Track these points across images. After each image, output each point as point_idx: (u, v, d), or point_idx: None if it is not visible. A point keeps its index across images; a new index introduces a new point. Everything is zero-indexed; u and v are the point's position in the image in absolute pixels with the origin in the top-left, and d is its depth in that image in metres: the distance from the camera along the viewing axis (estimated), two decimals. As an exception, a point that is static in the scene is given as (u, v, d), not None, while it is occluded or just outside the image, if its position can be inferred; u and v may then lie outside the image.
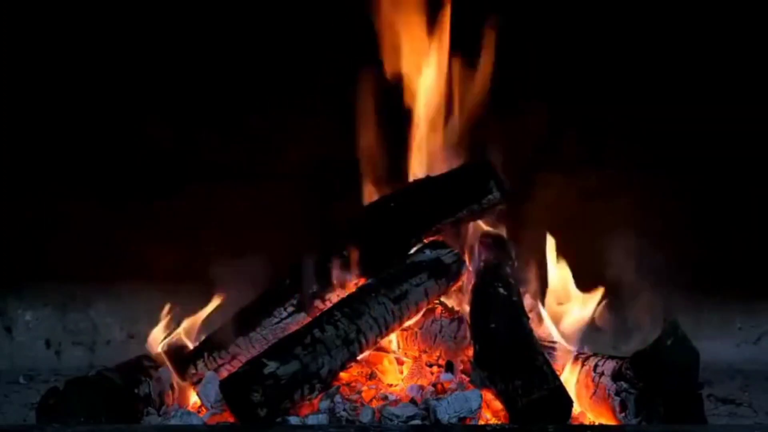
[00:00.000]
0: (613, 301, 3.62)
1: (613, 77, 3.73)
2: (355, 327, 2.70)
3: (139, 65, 3.71)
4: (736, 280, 3.76)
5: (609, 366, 2.68)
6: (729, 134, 3.73)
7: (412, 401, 2.67)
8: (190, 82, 3.72)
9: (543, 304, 3.14)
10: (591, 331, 2.96)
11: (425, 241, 3.02)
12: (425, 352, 2.97)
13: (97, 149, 3.76)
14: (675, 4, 3.68)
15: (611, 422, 2.61)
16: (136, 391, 2.67)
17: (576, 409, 2.66)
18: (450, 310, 3.01)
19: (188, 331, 2.99)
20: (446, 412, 2.56)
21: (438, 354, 2.95)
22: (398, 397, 2.73)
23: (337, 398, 2.65)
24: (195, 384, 2.85)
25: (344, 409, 2.63)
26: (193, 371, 2.87)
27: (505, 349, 2.66)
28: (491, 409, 2.64)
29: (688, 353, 2.54)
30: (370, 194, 3.20)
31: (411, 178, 3.18)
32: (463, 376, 2.82)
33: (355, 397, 2.72)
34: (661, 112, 3.75)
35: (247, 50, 3.72)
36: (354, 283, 2.95)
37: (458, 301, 3.05)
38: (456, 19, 3.22)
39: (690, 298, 3.75)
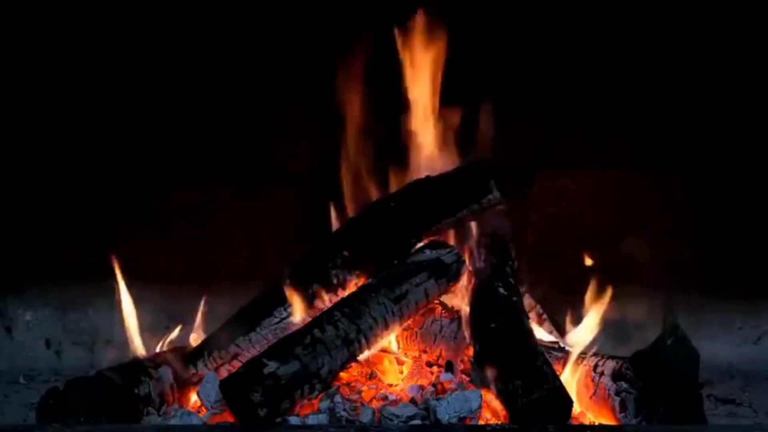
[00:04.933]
0: (613, 300, 3.64)
1: (614, 75, 3.72)
2: (355, 327, 2.70)
3: (140, 68, 3.71)
4: (736, 280, 3.75)
5: (609, 366, 2.68)
6: (729, 134, 3.73)
7: (412, 401, 2.67)
8: (190, 83, 3.72)
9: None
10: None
11: (425, 241, 3.02)
12: (425, 352, 2.97)
13: (97, 149, 3.75)
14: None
15: (611, 422, 2.61)
16: (136, 391, 2.67)
17: (576, 409, 2.66)
18: (450, 310, 3.01)
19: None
20: (446, 412, 2.57)
21: (438, 354, 2.95)
22: (398, 397, 2.73)
23: (337, 398, 2.65)
24: (195, 384, 2.85)
25: (344, 409, 2.63)
26: (193, 371, 2.87)
27: (505, 349, 2.66)
28: (491, 409, 2.64)
29: (688, 353, 2.54)
30: (369, 195, 3.21)
31: (411, 179, 3.18)
32: (463, 376, 2.82)
33: (355, 397, 2.72)
34: (661, 112, 3.75)
35: (246, 51, 3.72)
36: (354, 283, 2.95)
37: (458, 301, 3.05)
38: (454, 18, 3.23)
39: (690, 298, 3.75)
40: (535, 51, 3.69)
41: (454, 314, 2.98)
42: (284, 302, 2.94)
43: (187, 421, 2.60)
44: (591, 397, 2.70)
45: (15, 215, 3.74)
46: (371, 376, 2.87)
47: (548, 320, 3.16)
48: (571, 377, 2.76)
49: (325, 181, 3.46)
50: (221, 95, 3.74)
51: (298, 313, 2.91)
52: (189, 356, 2.91)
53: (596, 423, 2.67)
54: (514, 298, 2.90)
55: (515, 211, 3.19)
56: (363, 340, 2.72)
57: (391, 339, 2.97)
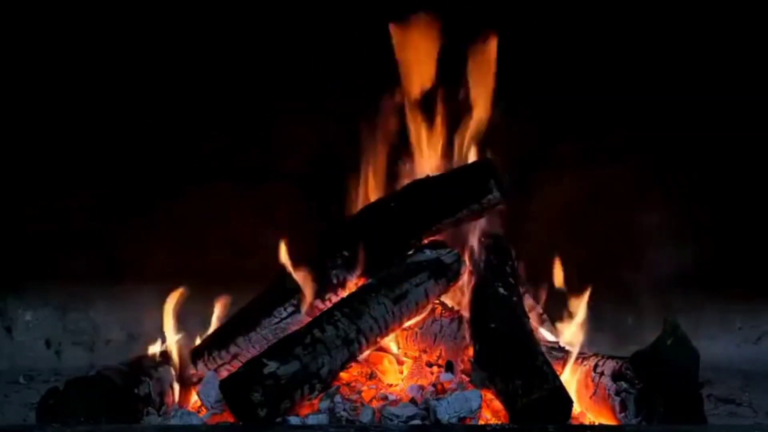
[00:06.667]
0: (613, 300, 3.64)
1: (613, 75, 3.72)
2: (355, 327, 2.70)
3: (142, 67, 3.71)
4: (737, 280, 3.75)
5: (609, 366, 2.68)
6: (728, 133, 3.73)
7: (412, 401, 2.67)
8: (191, 83, 3.72)
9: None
10: (591, 331, 2.95)
11: (425, 241, 3.02)
12: (425, 352, 2.97)
13: (97, 150, 3.76)
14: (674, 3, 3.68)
15: (611, 422, 2.61)
16: (136, 391, 2.67)
17: (576, 409, 2.66)
18: (450, 310, 3.01)
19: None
20: (446, 412, 2.56)
21: (438, 354, 2.95)
22: (398, 397, 2.73)
23: (337, 398, 2.65)
24: (195, 384, 2.85)
25: (344, 409, 2.63)
26: (193, 371, 2.87)
27: (505, 349, 2.66)
28: (491, 409, 2.64)
29: (688, 353, 2.54)
30: (370, 194, 3.21)
31: (411, 179, 3.18)
32: (463, 376, 2.82)
33: (355, 397, 2.72)
34: (661, 112, 3.75)
35: (247, 52, 3.72)
36: (354, 283, 2.95)
37: (458, 301, 3.05)
38: (454, 18, 3.23)
39: (690, 298, 3.75)
40: (537, 52, 3.70)
41: (454, 314, 2.98)
42: (284, 302, 2.94)
43: (187, 421, 2.60)
44: (591, 397, 2.70)
45: (15, 215, 3.74)
46: (371, 376, 2.87)
47: (548, 320, 3.15)
48: (571, 377, 2.76)
49: (325, 181, 3.47)
50: (222, 96, 3.74)
51: (298, 312, 2.91)
52: (189, 356, 2.91)
53: (596, 423, 2.67)
54: (514, 298, 2.90)
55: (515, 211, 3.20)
56: (363, 340, 2.72)
57: (391, 339, 2.97)
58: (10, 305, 3.82)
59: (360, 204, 3.20)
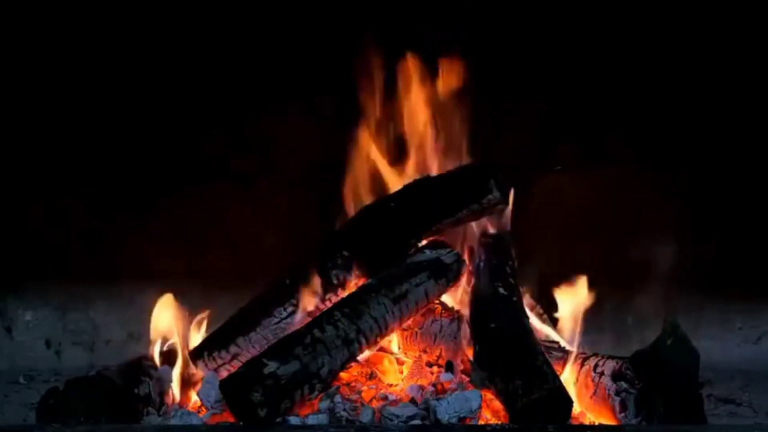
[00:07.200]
0: (613, 300, 3.64)
1: (612, 75, 3.72)
2: (355, 327, 2.70)
3: (142, 68, 3.71)
4: (737, 280, 3.75)
5: (609, 366, 2.68)
6: (729, 133, 3.73)
7: (412, 401, 2.67)
8: (192, 83, 3.72)
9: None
10: (591, 331, 2.95)
11: (425, 241, 3.02)
12: (425, 352, 2.97)
13: (98, 149, 3.75)
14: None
15: (611, 422, 2.61)
16: (136, 391, 2.67)
17: (576, 409, 2.66)
18: (450, 310, 3.01)
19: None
20: (446, 412, 2.57)
21: (438, 354, 2.95)
22: (398, 397, 2.73)
23: (337, 398, 2.65)
24: (195, 384, 2.85)
25: (344, 409, 2.63)
26: (193, 371, 2.87)
27: (505, 349, 2.66)
28: (491, 409, 2.64)
29: (688, 353, 2.54)
30: (370, 194, 3.21)
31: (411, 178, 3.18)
32: (463, 376, 2.82)
33: (355, 397, 2.72)
34: (660, 113, 3.75)
35: (248, 53, 3.72)
36: (354, 283, 2.95)
37: (458, 301, 3.05)
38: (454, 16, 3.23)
39: (690, 298, 3.75)
40: (538, 54, 3.70)
41: (454, 314, 2.98)
42: (284, 302, 2.94)
43: (187, 421, 2.60)
44: (591, 397, 2.70)
45: (15, 215, 3.74)
46: (371, 376, 2.87)
47: (548, 320, 3.15)
48: (571, 377, 2.76)
49: (325, 181, 3.46)
50: (222, 96, 3.74)
51: (298, 313, 2.91)
52: (189, 356, 2.91)
53: (596, 423, 2.67)
54: (514, 298, 2.90)
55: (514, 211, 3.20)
56: (363, 340, 2.72)
57: (391, 339, 2.97)
58: (10, 305, 3.82)
59: (360, 204, 3.19)
